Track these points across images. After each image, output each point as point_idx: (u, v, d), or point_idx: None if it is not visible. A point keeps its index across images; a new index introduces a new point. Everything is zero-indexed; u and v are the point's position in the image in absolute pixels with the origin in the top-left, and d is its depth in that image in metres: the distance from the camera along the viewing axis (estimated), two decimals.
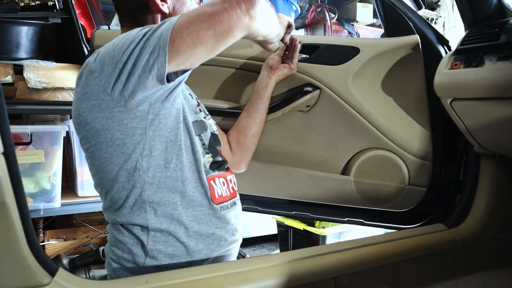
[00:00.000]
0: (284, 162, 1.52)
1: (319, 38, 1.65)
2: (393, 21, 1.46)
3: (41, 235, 2.37)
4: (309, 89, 1.43)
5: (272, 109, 1.45)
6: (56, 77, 2.07)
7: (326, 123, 1.47)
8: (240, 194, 1.18)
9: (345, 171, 1.52)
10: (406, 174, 1.48)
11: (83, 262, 2.26)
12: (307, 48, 1.45)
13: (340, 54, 1.42)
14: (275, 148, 1.51)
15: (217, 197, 1.10)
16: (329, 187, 1.52)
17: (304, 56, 1.45)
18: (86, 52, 2.12)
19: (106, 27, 1.47)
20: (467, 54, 1.25)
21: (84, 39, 2.14)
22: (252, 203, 1.61)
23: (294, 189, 1.54)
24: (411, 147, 1.46)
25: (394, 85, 1.45)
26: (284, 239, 2.88)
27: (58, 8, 2.14)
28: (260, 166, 1.52)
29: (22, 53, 2.10)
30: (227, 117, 1.47)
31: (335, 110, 1.44)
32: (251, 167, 1.50)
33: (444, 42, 1.47)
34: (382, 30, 1.92)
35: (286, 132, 1.49)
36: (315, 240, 2.70)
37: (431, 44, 1.43)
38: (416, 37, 1.40)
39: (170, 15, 1.11)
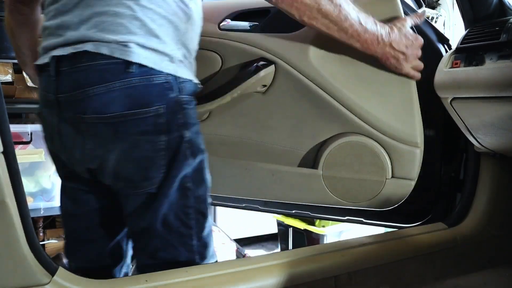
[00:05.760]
0: (240, 155, 1.29)
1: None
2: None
3: (41, 234, 2.38)
4: (264, 63, 1.18)
5: (219, 92, 1.20)
6: None
7: (287, 105, 1.22)
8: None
9: (313, 163, 1.27)
10: (387, 165, 1.20)
11: None
12: (255, 15, 1.24)
13: None
14: (230, 138, 1.29)
15: None
16: (294, 184, 1.28)
17: (252, 24, 1.22)
18: None
19: None
20: (468, 53, 1.25)
21: None
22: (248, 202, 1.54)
23: (253, 188, 1.32)
24: (392, 130, 1.18)
25: (370, 56, 1.11)
26: (284, 238, 2.87)
27: None
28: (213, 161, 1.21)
29: None
30: None
31: (296, 89, 1.19)
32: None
33: (444, 40, 1.46)
34: None
35: (241, 119, 1.26)
36: (315, 239, 2.70)
37: (431, 43, 1.43)
38: None
39: None
